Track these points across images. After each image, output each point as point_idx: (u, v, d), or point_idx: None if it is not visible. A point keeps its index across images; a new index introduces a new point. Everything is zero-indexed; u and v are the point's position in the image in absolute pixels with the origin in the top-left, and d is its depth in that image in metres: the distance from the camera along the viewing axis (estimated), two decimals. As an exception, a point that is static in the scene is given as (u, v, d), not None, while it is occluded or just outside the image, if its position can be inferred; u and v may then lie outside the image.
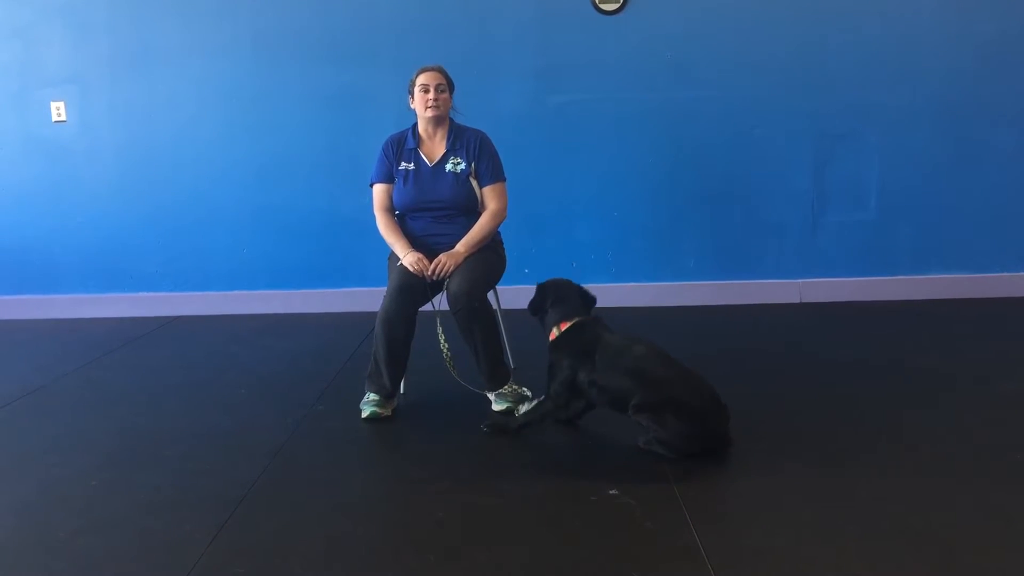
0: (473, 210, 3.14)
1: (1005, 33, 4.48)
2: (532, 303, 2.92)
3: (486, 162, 3.13)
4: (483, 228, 3.08)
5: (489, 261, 3.09)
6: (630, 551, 2.03)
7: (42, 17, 4.64)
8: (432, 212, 3.10)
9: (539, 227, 4.63)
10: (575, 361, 2.67)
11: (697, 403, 2.50)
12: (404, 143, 3.16)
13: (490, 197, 3.13)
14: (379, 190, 3.16)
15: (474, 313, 2.91)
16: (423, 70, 3.10)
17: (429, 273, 2.95)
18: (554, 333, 2.79)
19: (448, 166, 3.11)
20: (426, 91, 3.06)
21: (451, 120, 3.19)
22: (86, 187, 4.77)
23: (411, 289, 2.94)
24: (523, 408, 2.90)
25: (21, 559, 2.10)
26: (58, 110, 4.71)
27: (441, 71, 3.11)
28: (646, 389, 2.52)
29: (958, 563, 1.93)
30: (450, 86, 3.14)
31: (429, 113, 3.08)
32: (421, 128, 3.17)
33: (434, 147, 3.15)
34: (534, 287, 2.94)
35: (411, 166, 3.12)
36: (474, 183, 3.13)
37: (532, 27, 4.53)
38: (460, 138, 3.15)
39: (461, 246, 3.03)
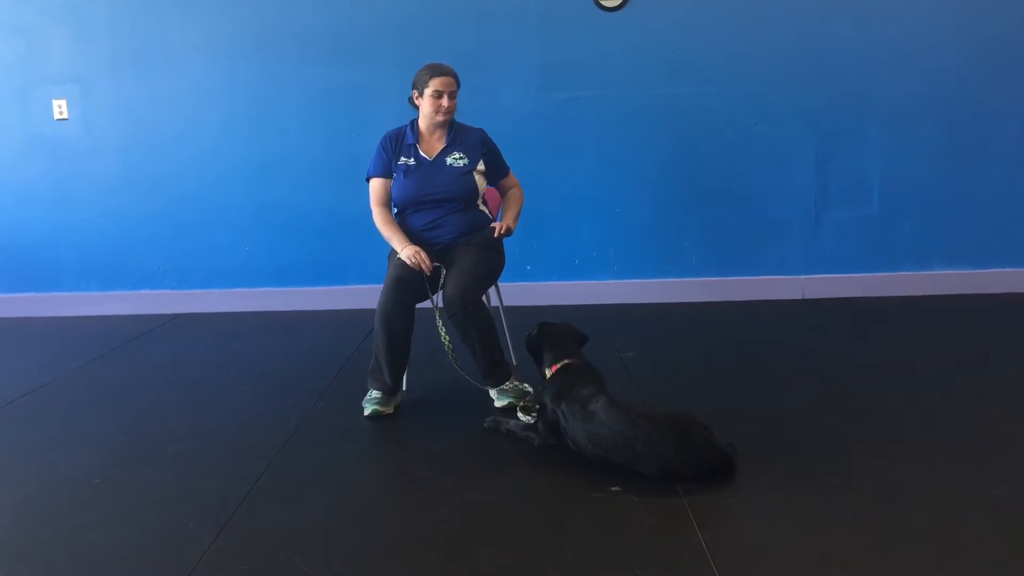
0: (473, 203, 3.15)
1: (1008, 28, 4.46)
2: (529, 342, 2.85)
3: (496, 158, 3.24)
4: (519, 200, 3.30)
5: (487, 260, 3.08)
6: (632, 548, 2.03)
7: (44, 15, 4.64)
8: (432, 205, 3.10)
9: (541, 224, 4.62)
10: (556, 404, 2.60)
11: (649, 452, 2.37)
12: (403, 139, 3.15)
13: (510, 183, 3.33)
14: (376, 184, 3.15)
15: (469, 316, 2.91)
16: (437, 73, 3.03)
17: (427, 267, 2.95)
18: (547, 374, 2.73)
19: (448, 160, 3.11)
20: (439, 97, 3.03)
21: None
22: (88, 185, 4.77)
23: (407, 281, 2.94)
24: (523, 416, 2.86)
25: (24, 557, 2.10)
26: (60, 108, 4.71)
27: (454, 76, 3.07)
28: (599, 448, 2.45)
29: (959, 562, 1.93)
30: (458, 88, 3.12)
31: (440, 118, 3.08)
32: (423, 126, 3.16)
33: (433, 143, 3.15)
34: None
35: (411, 161, 3.11)
36: (477, 178, 3.13)
37: (533, 24, 4.52)
38: (460, 135, 3.16)
39: (511, 220, 3.18)
